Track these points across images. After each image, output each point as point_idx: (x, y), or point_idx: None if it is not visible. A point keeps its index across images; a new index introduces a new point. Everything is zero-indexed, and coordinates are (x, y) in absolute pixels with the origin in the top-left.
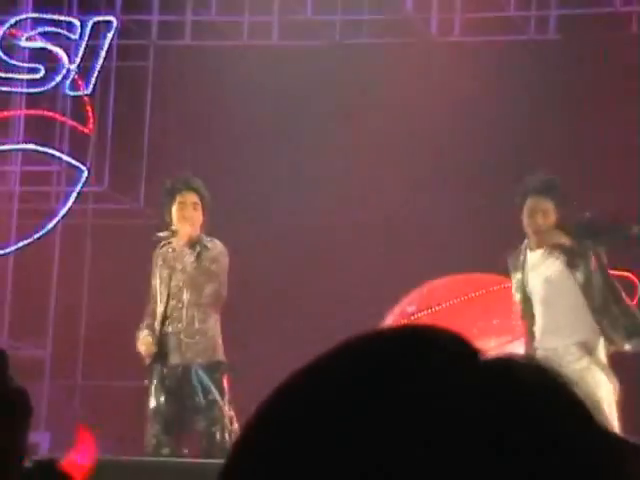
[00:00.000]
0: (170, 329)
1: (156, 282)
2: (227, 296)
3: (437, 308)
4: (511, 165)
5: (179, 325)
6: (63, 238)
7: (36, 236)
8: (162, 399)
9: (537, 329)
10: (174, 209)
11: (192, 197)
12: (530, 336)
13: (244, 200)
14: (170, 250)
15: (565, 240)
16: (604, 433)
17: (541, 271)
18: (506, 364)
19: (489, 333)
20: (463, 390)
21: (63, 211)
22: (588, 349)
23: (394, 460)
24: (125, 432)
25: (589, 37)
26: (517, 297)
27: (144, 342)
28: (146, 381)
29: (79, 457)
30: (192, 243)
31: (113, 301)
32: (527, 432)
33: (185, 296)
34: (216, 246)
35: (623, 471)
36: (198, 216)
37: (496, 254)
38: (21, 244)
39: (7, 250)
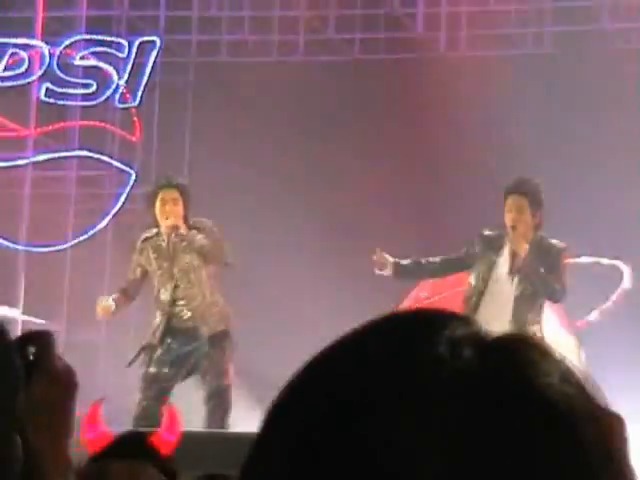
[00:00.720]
0: (180, 308)
1: (153, 270)
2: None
3: (445, 294)
4: (511, 168)
5: (193, 303)
6: (114, 234)
7: (90, 233)
8: (164, 369)
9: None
10: (157, 206)
11: (172, 193)
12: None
13: (269, 197)
14: (162, 244)
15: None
16: (599, 405)
17: (501, 264)
18: (508, 342)
19: None
20: (470, 363)
21: (114, 210)
22: None
23: (410, 430)
24: None
25: (581, 51)
26: (479, 274)
27: (103, 306)
28: (143, 356)
29: (165, 433)
30: (177, 233)
31: None
32: (529, 402)
33: (192, 276)
34: (204, 225)
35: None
36: (178, 210)
37: None
38: (77, 240)
39: (65, 245)
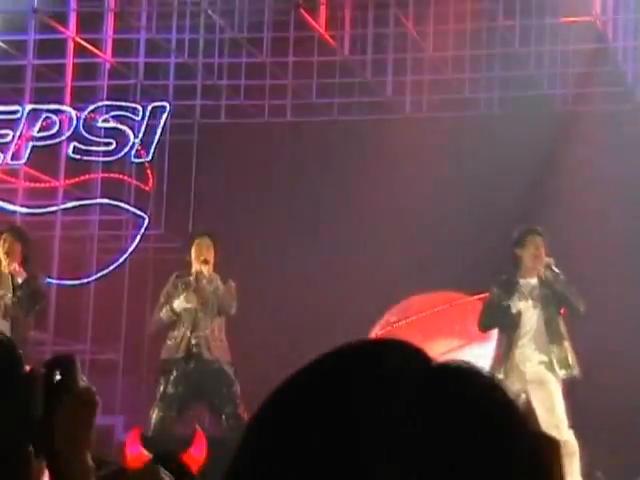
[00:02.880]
0: (200, 335)
1: (179, 297)
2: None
3: (413, 318)
4: (463, 212)
5: (205, 332)
6: (131, 269)
7: (111, 268)
8: (180, 389)
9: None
10: (193, 249)
11: (206, 241)
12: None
13: (268, 241)
14: (190, 278)
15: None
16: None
17: (531, 293)
18: (451, 366)
19: (452, 336)
20: (414, 384)
21: (131, 249)
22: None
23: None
24: None
25: (524, 112)
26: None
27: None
28: (161, 378)
29: (194, 452)
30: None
31: None
32: (473, 412)
33: (209, 311)
34: (226, 279)
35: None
36: (210, 255)
37: (458, 279)
38: (100, 274)
39: (90, 279)
